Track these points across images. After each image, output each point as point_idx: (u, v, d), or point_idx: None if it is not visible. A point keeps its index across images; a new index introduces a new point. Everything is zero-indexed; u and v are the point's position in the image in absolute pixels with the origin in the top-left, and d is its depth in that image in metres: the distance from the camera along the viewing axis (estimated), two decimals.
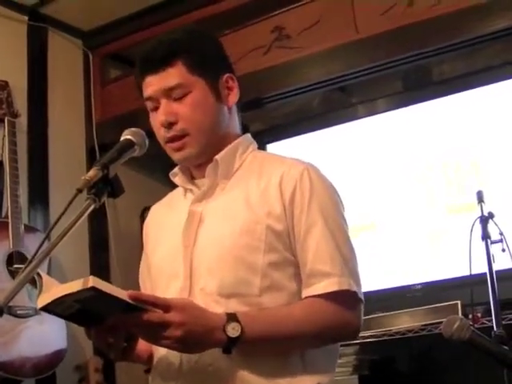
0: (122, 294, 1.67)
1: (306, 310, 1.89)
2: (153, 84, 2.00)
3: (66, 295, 1.65)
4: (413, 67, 4.04)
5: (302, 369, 1.89)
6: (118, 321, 1.73)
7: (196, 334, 1.73)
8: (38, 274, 1.73)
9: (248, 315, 1.81)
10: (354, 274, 1.93)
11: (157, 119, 2.01)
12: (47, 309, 1.71)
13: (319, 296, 1.88)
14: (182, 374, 1.89)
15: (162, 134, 2.01)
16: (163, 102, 1.99)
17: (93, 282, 1.61)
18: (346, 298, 1.90)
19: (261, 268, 1.89)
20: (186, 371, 1.88)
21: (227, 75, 2.07)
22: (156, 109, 2.02)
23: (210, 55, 2.06)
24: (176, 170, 2.12)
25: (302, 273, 1.92)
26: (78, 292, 1.63)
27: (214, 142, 2.03)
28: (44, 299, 1.69)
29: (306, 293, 1.91)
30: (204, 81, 2.01)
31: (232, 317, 1.78)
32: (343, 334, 1.95)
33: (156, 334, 1.72)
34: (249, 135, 2.15)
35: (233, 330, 1.76)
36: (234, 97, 2.08)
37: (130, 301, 1.67)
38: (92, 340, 1.83)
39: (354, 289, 1.90)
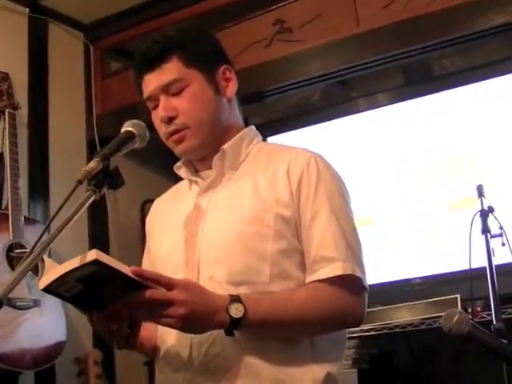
0: (125, 269, 1.67)
1: (309, 294, 1.90)
2: (151, 82, 2.02)
3: (68, 272, 1.63)
4: (414, 61, 4.04)
5: (311, 358, 1.90)
6: (121, 301, 1.72)
7: (199, 314, 1.73)
8: (41, 259, 1.72)
9: (251, 297, 1.82)
10: (358, 261, 1.93)
11: (157, 116, 2.03)
12: (49, 290, 1.69)
13: (323, 281, 1.89)
14: (192, 363, 1.89)
15: (163, 130, 2.03)
16: (162, 98, 2.01)
17: (96, 254, 1.61)
18: (349, 283, 1.90)
19: (270, 255, 1.90)
20: (195, 361, 1.88)
21: (224, 67, 2.09)
22: (157, 107, 2.04)
23: (204, 48, 2.07)
24: (179, 163, 2.13)
25: (306, 259, 1.93)
26: (81, 267, 1.62)
27: (215, 134, 2.04)
28: (46, 279, 1.67)
29: (309, 278, 1.91)
30: (201, 74, 2.02)
31: (235, 298, 1.78)
32: (347, 320, 1.95)
33: (158, 312, 1.71)
34: (253, 127, 2.17)
35: (236, 311, 1.76)
36: (232, 88, 2.09)
37: (132, 276, 1.67)
38: (95, 326, 1.82)
39: (359, 274, 1.91)
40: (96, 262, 1.61)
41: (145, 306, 1.72)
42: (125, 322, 1.81)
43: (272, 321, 1.84)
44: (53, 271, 1.67)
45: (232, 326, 1.77)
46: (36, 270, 1.62)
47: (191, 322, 1.74)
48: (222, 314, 1.76)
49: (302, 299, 1.89)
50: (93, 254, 1.61)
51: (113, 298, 1.72)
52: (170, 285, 1.72)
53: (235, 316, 1.76)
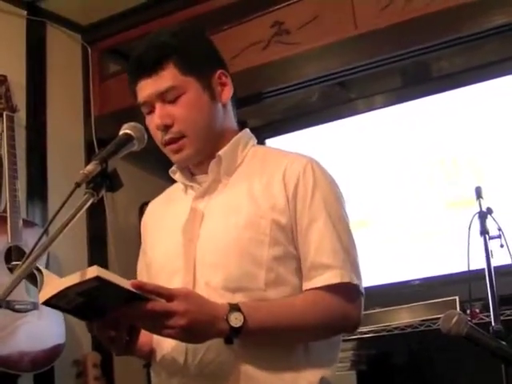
0: (125, 284, 1.67)
1: (307, 301, 1.90)
2: (146, 88, 2.00)
3: (69, 287, 1.63)
4: (412, 63, 4.03)
5: (305, 362, 1.90)
6: (121, 312, 1.72)
7: (199, 323, 1.72)
8: (39, 270, 1.72)
9: (250, 306, 1.82)
10: (355, 267, 1.94)
11: (153, 123, 2.02)
12: (49, 303, 1.69)
13: (320, 288, 1.89)
14: (188, 368, 1.89)
15: (159, 137, 2.02)
16: (158, 105, 2.00)
17: (97, 271, 1.60)
18: (347, 291, 1.91)
19: (265, 262, 1.90)
20: (191, 366, 1.88)
21: (220, 71, 2.07)
22: (151, 112, 2.02)
23: (200, 54, 2.06)
24: (174, 167, 2.13)
25: (303, 266, 1.93)
26: (82, 283, 1.62)
27: (211, 140, 2.04)
28: (46, 293, 1.67)
29: (307, 285, 1.92)
30: (197, 80, 2.01)
31: (235, 307, 1.78)
32: (344, 326, 1.96)
33: (159, 323, 1.71)
34: (248, 130, 2.16)
35: (235, 320, 1.76)
36: (227, 93, 2.08)
37: (133, 290, 1.67)
38: (94, 334, 1.82)
39: (355, 282, 1.91)
40: (97, 279, 1.61)
41: (146, 318, 1.72)
42: (124, 329, 1.82)
43: (270, 329, 1.84)
44: (53, 285, 1.67)
45: (232, 334, 1.77)
46: (34, 281, 1.61)
47: (192, 332, 1.74)
48: (222, 323, 1.76)
49: (299, 307, 1.89)
50: (94, 271, 1.61)
51: (113, 305, 1.73)
52: (170, 296, 1.72)
53: (235, 325, 1.76)
